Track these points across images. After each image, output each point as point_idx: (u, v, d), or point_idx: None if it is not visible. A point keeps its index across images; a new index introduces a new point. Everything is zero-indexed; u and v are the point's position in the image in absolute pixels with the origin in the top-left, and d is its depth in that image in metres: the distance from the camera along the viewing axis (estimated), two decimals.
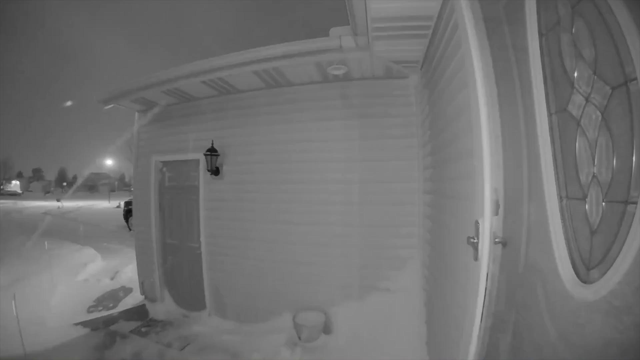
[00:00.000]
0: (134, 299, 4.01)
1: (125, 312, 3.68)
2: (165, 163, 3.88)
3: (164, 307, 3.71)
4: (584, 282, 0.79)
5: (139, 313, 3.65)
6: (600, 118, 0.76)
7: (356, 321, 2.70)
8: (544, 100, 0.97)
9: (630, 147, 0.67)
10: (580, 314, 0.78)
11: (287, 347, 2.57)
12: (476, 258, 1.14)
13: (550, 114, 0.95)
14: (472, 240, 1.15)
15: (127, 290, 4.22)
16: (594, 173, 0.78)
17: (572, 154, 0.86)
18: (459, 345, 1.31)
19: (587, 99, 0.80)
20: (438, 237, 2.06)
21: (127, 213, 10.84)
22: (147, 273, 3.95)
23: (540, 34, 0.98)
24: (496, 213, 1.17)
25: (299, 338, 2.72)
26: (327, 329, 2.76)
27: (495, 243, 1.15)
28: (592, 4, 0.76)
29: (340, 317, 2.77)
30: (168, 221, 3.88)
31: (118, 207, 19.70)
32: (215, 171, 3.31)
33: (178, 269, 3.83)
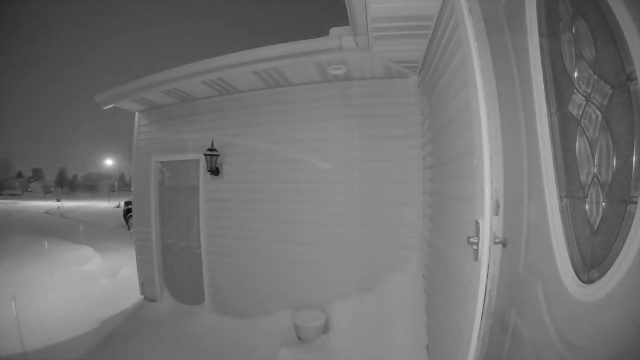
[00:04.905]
0: (134, 298, 4.01)
1: (125, 311, 3.67)
2: (165, 163, 3.88)
3: (164, 306, 3.70)
4: (584, 282, 0.79)
5: (138, 312, 3.65)
6: (600, 118, 0.76)
7: (356, 321, 2.69)
8: (544, 100, 0.96)
9: (631, 147, 0.67)
10: (580, 314, 0.78)
11: (286, 346, 2.56)
12: (476, 258, 1.14)
13: (550, 114, 0.95)
14: (472, 240, 1.15)
15: (127, 290, 4.22)
16: (594, 173, 0.78)
17: (572, 154, 0.86)
18: (459, 346, 1.31)
19: (587, 99, 0.80)
20: (438, 237, 2.06)
21: (127, 212, 10.86)
22: (146, 273, 3.95)
23: (540, 34, 0.98)
24: (496, 213, 1.17)
25: (299, 337, 2.72)
26: (326, 329, 2.76)
27: (495, 243, 1.14)
28: (592, 3, 0.76)
29: (340, 316, 2.77)
30: (168, 221, 3.88)
31: (118, 207, 19.74)
32: (215, 171, 3.31)
33: (178, 268, 3.83)
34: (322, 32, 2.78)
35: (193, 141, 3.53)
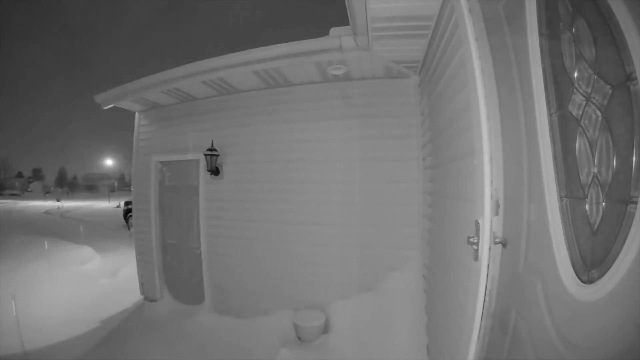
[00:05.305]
0: (133, 298, 4.01)
1: (125, 311, 3.67)
2: (165, 163, 3.88)
3: (164, 306, 3.70)
4: (584, 282, 0.79)
5: (138, 312, 3.65)
6: (600, 118, 0.76)
7: (356, 321, 2.69)
8: (544, 100, 0.96)
9: (631, 147, 0.67)
10: (580, 314, 0.78)
11: (286, 346, 2.56)
12: (476, 258, 1.14)
13: (550, 114, 0.95)
14: (472, 240, 1.15)
15: (126, 290, 4.22)
16: (594, 173, 0.78)
17: (572, 154, 0.86)
18: (459, 346, 1.31)
19: (587, 99, 0.80)
20: (438, 237, 2.06)
21: (127, 212, 10.87)
22: (146, 273, 3.95)
23: (540, 34, 0.98)
24: (496, 213, 1.17)
25: (299, 337, 2.72)
26: (326, 329, 2.76)
27: (495, 243, 1.14)
28: (592, 3, 0.76)
29: (340, 316, 2.77)
30: (168, 221, 3.88)
31: (118, 207, 19.75)
32: (215, 171, 3.31)
33: (178, 268, 3.83)
34: (322, 32, 2.78)
35: (193, 141, 3.53)
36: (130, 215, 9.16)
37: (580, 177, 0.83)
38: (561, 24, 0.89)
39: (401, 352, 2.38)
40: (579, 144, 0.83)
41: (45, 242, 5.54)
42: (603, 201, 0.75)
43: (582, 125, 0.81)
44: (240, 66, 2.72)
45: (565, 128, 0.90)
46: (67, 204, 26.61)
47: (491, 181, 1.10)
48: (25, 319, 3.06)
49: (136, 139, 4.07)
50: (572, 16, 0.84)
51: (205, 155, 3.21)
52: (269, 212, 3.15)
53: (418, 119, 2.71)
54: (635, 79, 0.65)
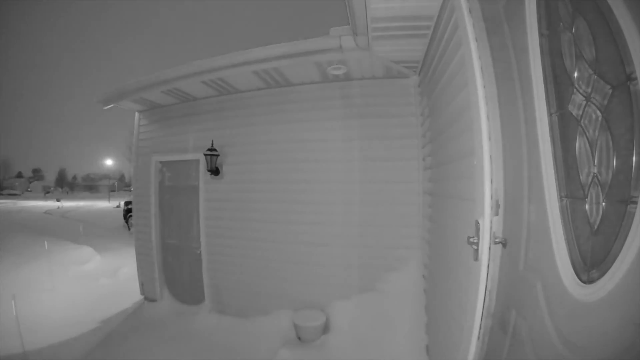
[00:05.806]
0: (134, 298, 4.01)
1: (125, 311, 3.67)
2: (165, 163, 3.88)
3: (164, 306, 3.70)
4: (584, 282, 0.79)
5: (138, 312, 3.65)
6: (600, 118, 0.76)
7: (356, 321, 2.69)
8: (544, 100, 0.96)
9: (631, 147, 0.67)
10: (580, 314, 0.78)
11: (286, 346, 2.56)
12: (476, 258, 1.14)
13: (550, 114, 0.95)
14: (472, 240, 1.15)
15: (127, 290, 4.22)
16: (594, 173, 0.78)
17: (572, 154, 0.86)
18: (459, 346, 1.31)
19: (587, 99, 0.80)
20: (438, 237, 2.06)
21: (127, 212, 10.87)
22: (146, 273, 3.95)
23: (540, 34, 0.98)
24: (496, 213, 1.17)
25: (299, 337, 2.72)
26: (326, 329, 2.76)
27: (495, 243, 1.14)
28: (592, 3, 0.76)
29: (340, 317, 2.77)
30: (168, 221, 3.88)
31: (118, 207, 19.76)
32: (215, 171, 3.31)
33: (178, 268, 3.83)
34: (322, 32, 2.78)
35: (193, 141, 3.53)
36: (130, 215, 9.17)
37: (580, 177, 0.83)
38: (561, 24, 0.89)
39: (401, 352, 2.38)
40: (579, 144, 0.83)
41: (45, 242, 5.54)
42: (603, 201, 0.76)
43: (582, 125, 0.81)
44: (240, 66, 2.73)
45: (565, 128, 0.90)
46: (67, 204, 26.59)
47: (491, 181, 1.10)
48: (25, 319, 3.06)
49: (136, 139, 4.07)
50: (572, 16, 0.84)
51: (205, 155, 3.21)
52: (269, 212, 3.15)
53: (418, 119, 2.71)
54: (635, 79, 0.65)
